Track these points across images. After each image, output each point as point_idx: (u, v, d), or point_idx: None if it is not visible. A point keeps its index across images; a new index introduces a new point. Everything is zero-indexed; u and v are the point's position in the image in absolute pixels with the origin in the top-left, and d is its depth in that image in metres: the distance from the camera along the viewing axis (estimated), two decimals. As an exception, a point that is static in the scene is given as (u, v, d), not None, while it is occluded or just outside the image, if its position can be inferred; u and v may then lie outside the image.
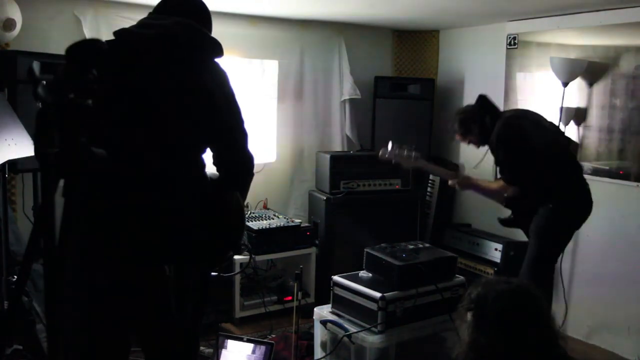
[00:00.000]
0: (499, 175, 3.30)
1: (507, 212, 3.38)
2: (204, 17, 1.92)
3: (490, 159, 3.29)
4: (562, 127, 3.83)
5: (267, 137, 4.46)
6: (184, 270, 1.78)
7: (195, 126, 1.78)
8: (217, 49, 1.86)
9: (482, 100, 3.24)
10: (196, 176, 1.85)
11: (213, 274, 2.02)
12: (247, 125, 1.94)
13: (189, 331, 1.91)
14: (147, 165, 1.72)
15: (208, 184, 1.89)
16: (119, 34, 1.78)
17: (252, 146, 1.98)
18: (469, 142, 3.31)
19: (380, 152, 3.26)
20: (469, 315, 1.60)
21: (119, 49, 1.72)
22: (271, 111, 4.49)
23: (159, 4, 1.93)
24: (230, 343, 3.11)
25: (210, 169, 1.95)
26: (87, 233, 1.71)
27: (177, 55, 1.76)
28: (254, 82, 4.32)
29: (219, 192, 1.90)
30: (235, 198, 1.96)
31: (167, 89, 1.74)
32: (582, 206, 3.11)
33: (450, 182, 3.38)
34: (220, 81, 1.84)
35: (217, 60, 1.88)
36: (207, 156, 1.94)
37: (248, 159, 1.93)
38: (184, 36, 1.78)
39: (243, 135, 1.91)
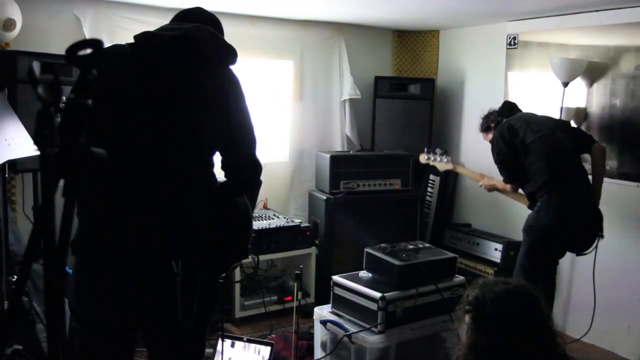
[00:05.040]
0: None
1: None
2: (219, 28, 1.98)
3: None
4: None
5: (266, 137, 4.46)
6: (193, 271, 1.78)
7: (208, 127, 1.81)
8: (233, 55, 1.90)
9: (505, 105, 3.55)
10: (206, 176, 1.86)
11: (220, 280, 2.03)
12: (257, 132, 1.97)
13: (196, 332, 1.91)
14: (162, 162, 1.73)
15: (217, 184, 1.91)
16: (141, 35, 1.80)
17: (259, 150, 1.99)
18: (490, 141, 3.53)
19: (420, 157, 3.97)
20: (467, 318, 1.60)
21: (141, 50, 1.75)
22: (271, 111, 4.49)
23: (176, 16, 1.97)
24: (230, 343, 3.10)
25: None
26: (102, 231, 1.72)
27: (197, 57, 1.80)
28: (254, 83, 4.32)
29: (227, 194, 1.92)
30: (243, 201, 1.97)
31: (185, 89, 1.77)
32: (568, 205, 3.13)
33: (479, 183, 3.71)
34: (234, 86, 1.88)
35: (231, 67, 1.92)
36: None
37: (255, 165, 1.96)
38: (204, 39, 1.82)
39: (252, 141, 1.94)
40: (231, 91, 1.86)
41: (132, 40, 1.80)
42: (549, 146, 3.18)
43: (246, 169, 1.94)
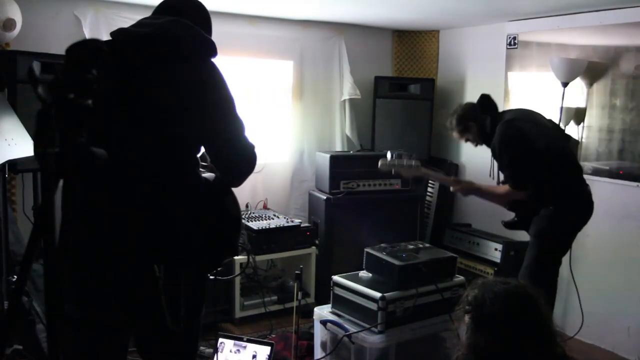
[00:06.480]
0: (501, 179, 3.27)
1: (509, 215, 3.35)
2: (202, 17, 1.93)
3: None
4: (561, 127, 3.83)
5: (266, 137, 4.47)
6: (176, 274, 1.76)
7: (187, 125, 1.77)
8: (210, 48, 1.85)
9: (485, 99, 3.22)
10: (189, 175, 1.83)
11: (211, 277, 2.01)
12: (247, 125, 1.90)
13: (186, 332, 1.90)
14: (140, 163, 1.71)
15: (203, 183, 1.88)
16: (117, 33, 1.79)
17: (257, 147, 1.92)
18: (467, 140, 3.29)
19: (380, 163, 3.17)
20: (467, 317, 1.60)
21: (115, 48, 1.73)
22: (271, 111, 4.49)
23: (158, 5, 1.95)
24: (230, 343, 3.11)
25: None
26: (84, 232, 1.71)
27: (172, 53, 1.76)
28: (254, 83, 4.33)
29: (214, 193, 1.90)
30: (232, 199, 1.95)
31: (161, 86, 1.74)
32: (582, 208, 3.10)
33: (452, 188, 3.33)
34: (212, 78, 1.82)
35: (213, 60, 1.86)
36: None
37: (245, 158, 1.88)
38: (179, 34, 1.78)
39: (240, 133, 1.86)
40: (209, 84, 1.80)
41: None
42: (560, 155, 3.10)
43: (234, 162, 1.87)
